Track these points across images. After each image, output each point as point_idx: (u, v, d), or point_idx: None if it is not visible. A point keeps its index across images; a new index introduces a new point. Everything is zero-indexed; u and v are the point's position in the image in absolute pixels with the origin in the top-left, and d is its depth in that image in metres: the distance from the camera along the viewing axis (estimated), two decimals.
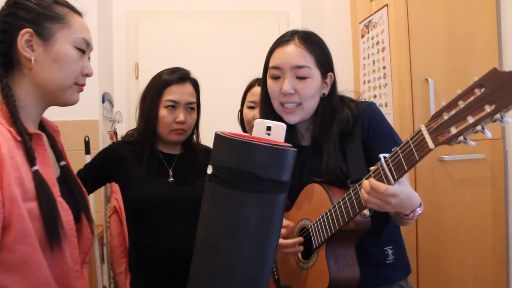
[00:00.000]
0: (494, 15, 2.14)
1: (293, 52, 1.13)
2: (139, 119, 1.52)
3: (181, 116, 1.44)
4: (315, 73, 1.14)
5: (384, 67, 2.29)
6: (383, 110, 2.30)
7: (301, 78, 1.12)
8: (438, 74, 2.09)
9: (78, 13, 1.01)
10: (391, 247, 1.19)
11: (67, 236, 0.90)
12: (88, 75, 0.99)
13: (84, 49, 0.97)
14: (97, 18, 2.38)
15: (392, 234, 1.21)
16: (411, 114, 2.09)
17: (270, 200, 0.81)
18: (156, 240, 1.45)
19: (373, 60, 2.41)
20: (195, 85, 1.52)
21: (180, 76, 1.47)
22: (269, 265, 0.87)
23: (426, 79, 2.07)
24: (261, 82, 1.25)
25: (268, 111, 1.22)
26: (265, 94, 1.22)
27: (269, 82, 1.18)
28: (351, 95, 1.28)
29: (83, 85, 1.00)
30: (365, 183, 0.93)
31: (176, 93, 1.45)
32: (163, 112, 1.44)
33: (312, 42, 1.16)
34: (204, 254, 0.85)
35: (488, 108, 0.72)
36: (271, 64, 1.17)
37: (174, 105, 1.44)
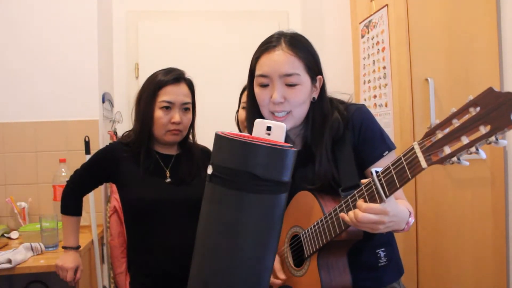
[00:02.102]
0: (494, 15, 2.14)
1: (281, 59, 1.07)
2: (135, 120, 1.52)
3: (176, 117, 1.44)
4: (305, 79, 1.09)
5: (384, 67, 2.29)
6: (383, 110, 2.30)
7: (290, 85, 1.08)
8: (438, 74, 2.09)
9: None
10: (383, 249, 1.18)
11: None
12: None
13: None
14: (97, 18, 2.38)
15: (385, 236, 1.20)
16: (411, 114, 2.09)
17: (271, 200, 0.81)
18: (155, 241, 1.46)
19: (373, 60, 2.41)
20: (190, 85, 1.52)
21: (175, 76, 1.46)
22: (269, 265, 0.87)
23: (426, 79, 2.07)
24: (247, 87, 1.19)
25: (255, 115, 1.15)
26: (252, 101, 1.17)
27: (257, 90, 1.13)
28: (341, 96, 1.23)
29: None
30: (356, 211, 0.90)
31: (171, 93, 1.45)
32: (158, 113, 1.44)
33: (300, 46, 1.10)
34: (204, 254, 0.85)
35: (483, 129, 0.69)
36: (258, 72, 1.11)
37: (169, 106, 1.44)
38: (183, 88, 1.48)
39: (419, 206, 2.07)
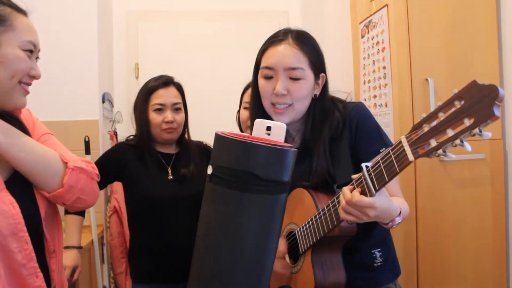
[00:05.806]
0: (494, 15, 2.13)
1: (286, 53, 1.10)
2: (135, 124, 1.65)
3: (169, 116, 1.56)
4: (308, 74, 1.11)
5: (384, 67, 2.29)
6: (383, 110, 2.30)
7: (294, 79, 1.10)
8: (438, 74, 2.09)
9: (23, 13, 0.97)
10: (379, 249, 1.18)
11: (15, 232, 0.86)
12: (35, 77, 0.98)
13: (31, 49, 0.95)
14: (97, 18, 2.38)
15: (381, 236, 1.20)
16: (411, 114, 2.08)
17: (271, 200, 0.81)
18: (157, 239, 1.50)
19: (373, 60, 2.41)
20: (179, 88, 1.65)
21: (164, 81, 1.60)
22: (270, 265, 0.87)
23: (426, 79, 2.07)
24: (252, 81, 1.21)
25: (258, 111, 1.18)
26: (255, 93, 1.19)
27: (261, 82, 1.15)
28: (340, 95, 1.25)
29: (29, 84, 0.98)
30: (341, 198, 0.93)
31: (162, 96, 1.58)
32: (152, 115, 1.57)
33: (305, 42, 1.12)
34: (204, 254, 0.85)
35: (467, 122, 0.71)
36: (263, 64, 1.14)
37: (161, 108, 1.57)
38: (172, 90, 1.61)
39: (419, 206, 2.07)
